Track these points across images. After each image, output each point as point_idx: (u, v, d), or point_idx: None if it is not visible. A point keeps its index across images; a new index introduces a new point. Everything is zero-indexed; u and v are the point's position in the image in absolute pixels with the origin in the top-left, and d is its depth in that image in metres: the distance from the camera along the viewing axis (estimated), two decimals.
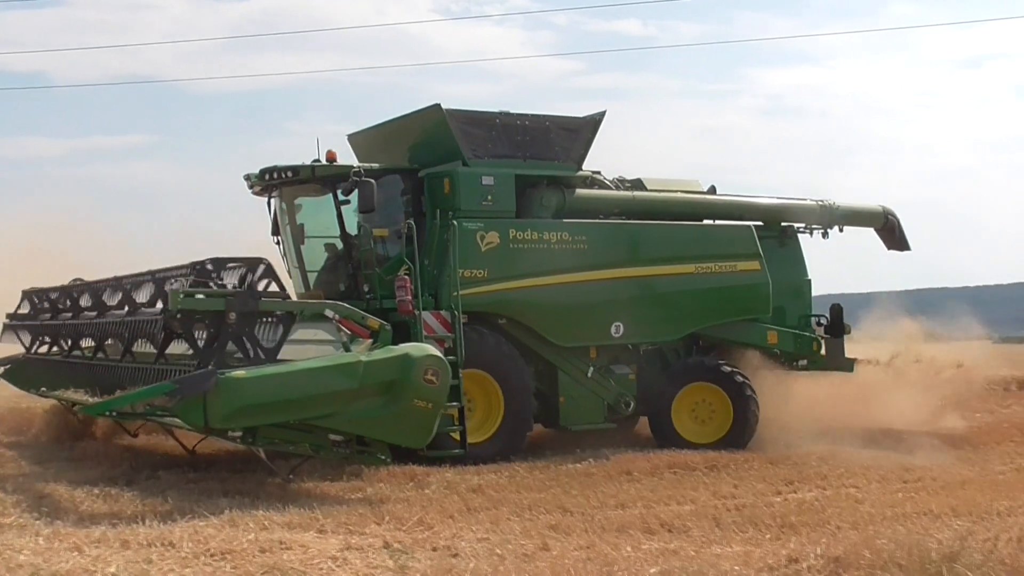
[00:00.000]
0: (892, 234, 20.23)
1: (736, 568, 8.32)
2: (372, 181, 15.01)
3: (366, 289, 15.52)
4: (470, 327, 15.17)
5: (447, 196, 15.59)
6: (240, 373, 11.44)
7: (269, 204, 16.54)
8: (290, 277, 16.52)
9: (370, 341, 12.41)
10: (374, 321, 12.55)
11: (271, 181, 15.92)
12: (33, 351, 17.53)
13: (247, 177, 16.41)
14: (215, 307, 11.91)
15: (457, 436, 14.50)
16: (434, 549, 9.40)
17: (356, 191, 15.08)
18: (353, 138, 17.78)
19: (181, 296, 11.75)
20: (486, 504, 11.73)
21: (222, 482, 12.75)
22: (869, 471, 14.25)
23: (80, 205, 36.80)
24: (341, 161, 15.64)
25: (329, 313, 12.66)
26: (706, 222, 18.04)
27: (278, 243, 16.70)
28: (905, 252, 20.47)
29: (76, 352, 15.91)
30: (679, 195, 17.95)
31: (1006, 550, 8.34)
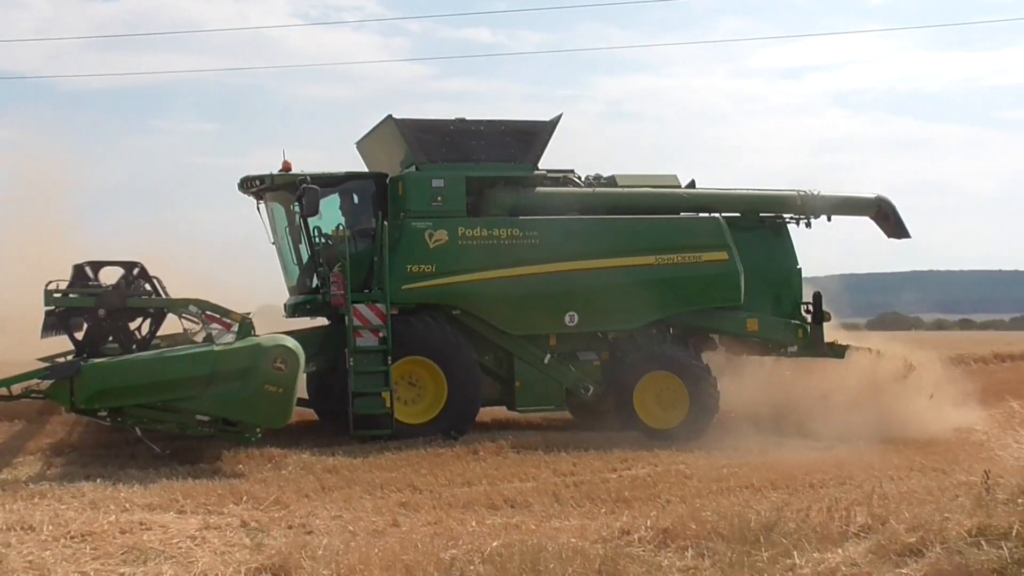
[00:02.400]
0: (888, 222, 19.30)
1: (573, 540, 8.45)
2: (316, 188, 15.59)
3: (319, 284, 16.13)
4: (417, 317, 15.75)
5: (401, 198, 16.09)
6: (100, 361, 12.81)
7: (259, 209, 16.93)
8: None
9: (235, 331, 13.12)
10: (236, 315, 13.35)
11: (248, 190, 16.60)
12: None
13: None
14: (86, 304, 13.34)
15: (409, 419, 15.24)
16: (289, 527, 9.35)
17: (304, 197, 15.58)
18: (359, 145, 18.01)
19: (56, 295, 13.15)
20: (340, 484, 11.70)
21: (84, 467, 12.47)
22: (696, 448, 14.57)
23: None
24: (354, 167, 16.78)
25: (193, 309, 13.68)
26: (669, 216, 17.62)
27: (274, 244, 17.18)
28: (904, 239, 19.42)
29: None
30: (644, 190, 17.77)
31: (817, 519, 8.64)
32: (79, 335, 13.57)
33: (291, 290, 17.04)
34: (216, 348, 12.76)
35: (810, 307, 17.97)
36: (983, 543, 7.56)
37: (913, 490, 10.81)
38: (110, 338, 13.78)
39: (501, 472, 12.65)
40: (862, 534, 8.34)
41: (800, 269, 18.43)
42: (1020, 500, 7.95)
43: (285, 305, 17.05)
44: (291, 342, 13.11)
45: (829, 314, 18.06)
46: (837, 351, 17.90)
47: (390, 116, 16.37)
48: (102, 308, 13.42)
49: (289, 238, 16.76)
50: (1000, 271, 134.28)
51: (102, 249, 15.25)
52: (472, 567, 7.61)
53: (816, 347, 17.78)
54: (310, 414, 16.77)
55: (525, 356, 16.53)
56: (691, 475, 12.64)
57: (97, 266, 13.65)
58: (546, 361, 16.57)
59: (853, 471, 12.78)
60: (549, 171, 17.35)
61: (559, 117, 16.92)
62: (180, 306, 13.83)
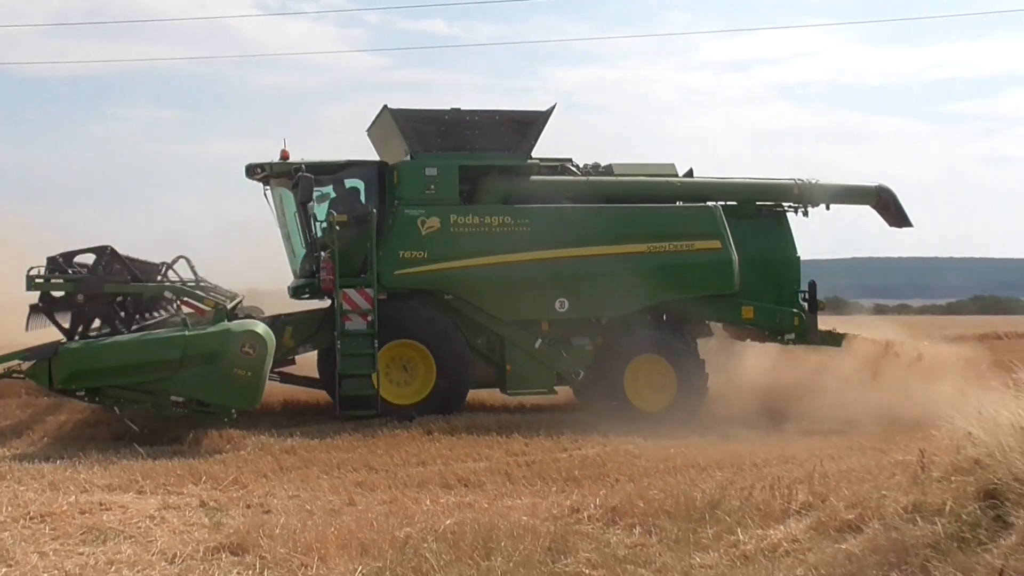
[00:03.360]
0: (889, 211, 19.02)
1: (524, 518, 8.52)
2: (310, 176, 15.87)
3: (315, 269, 16.30)
4: (406, 302, 15.99)
5: (395, 186, 16.28)
6: (76, 344, 13.19)
7: (266, 195, 17.18)
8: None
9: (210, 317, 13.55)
10: (210, 301, 13.89)
11: (253, 176, 16.86)
12: None
13: None
14: (67, 290, 13.65)
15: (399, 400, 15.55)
16: (248, 506, 9.35)
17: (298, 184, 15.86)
18: (369, 133, 18.05)
19: (36, 281, 13.44)
20: (297, 464, 11.71)
21: (43, 448, 12.40)
22: (644, 428, 14.68)
23: None
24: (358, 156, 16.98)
25: (168, 295, 14.62)
26: (661, 205, 17.40)
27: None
28: (907, 228, 19.12)
29: None
30: (639, 179, 17.68)
31: (760, 497, 8.77)
32: (65, 324, 13.72)
33: (294, 273, 17.26)
34: (187, 333, 13.01)
35: (806, 295, 17.81)
36: (918, 519, 7.70)
37: (852, 469, 10.98)
38: (97, 322, 14.13)
39: (455, 452, 12.70)
40: (803, 511, 8.47)
41: (799, 258, 18.21)
42: (953, 478, 8.09)
43: (288, 287, 17.28)
44: (261, 327, 13.33)
45: (824, 303, 17.96)
46: (834, 339, 17.79)
47: (385, 106, 16.55)
48: (80, 294, 13.74)
49: (296, 223, 16.96)
50: (936, 258, 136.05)
51: (68, 238, 15.92)
52: (426, 544, 7.65)
53: (811, 335, 17.63)
54: (282, 393, 16.72)
55: (516, 341, 16.57)
56: (639, 455, 12.74)
57: (70, 256, 13.99)
58: (536, 346, 16.57)
59: (796, 451, 12.95)
60: (545, 160, 17.34)
61: (553, 107, 17.07)
62: (155, 291, 14.42)
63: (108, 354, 12.94)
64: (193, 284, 16.33)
